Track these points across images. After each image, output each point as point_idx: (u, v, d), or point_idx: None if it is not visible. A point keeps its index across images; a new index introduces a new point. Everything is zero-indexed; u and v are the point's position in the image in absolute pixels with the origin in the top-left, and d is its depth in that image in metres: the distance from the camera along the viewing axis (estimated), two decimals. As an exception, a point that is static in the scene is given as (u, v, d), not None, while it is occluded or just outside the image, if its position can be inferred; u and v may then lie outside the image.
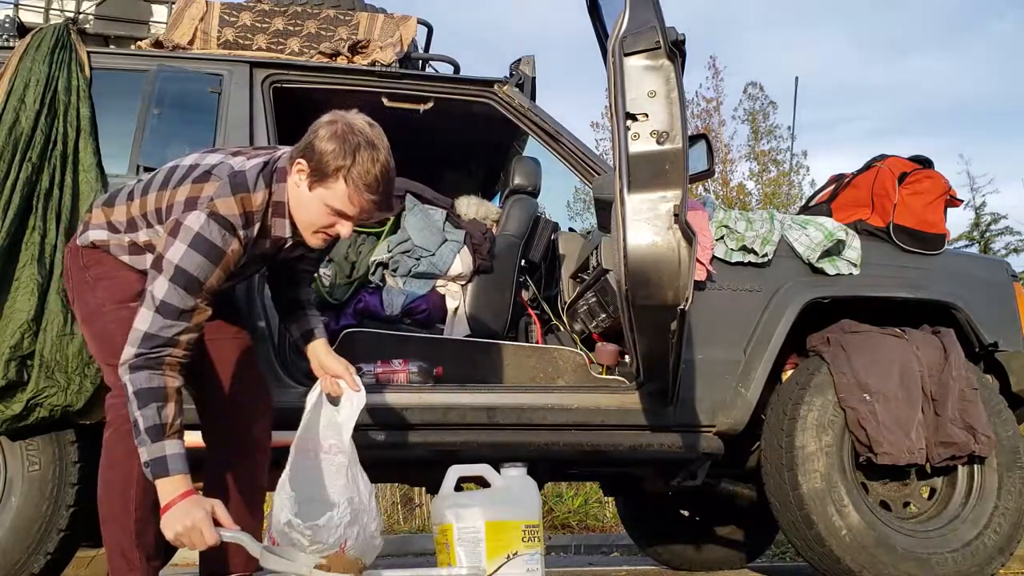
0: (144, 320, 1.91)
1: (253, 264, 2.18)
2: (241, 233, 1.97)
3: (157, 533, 2.03)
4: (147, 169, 2.59)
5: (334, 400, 2.31)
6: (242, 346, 2.32)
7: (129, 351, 1.90)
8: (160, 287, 1.91)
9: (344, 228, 2.03)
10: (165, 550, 2.20)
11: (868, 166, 3.32)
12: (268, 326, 2.71)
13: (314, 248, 2.21)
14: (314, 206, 2.00)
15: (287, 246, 2.15)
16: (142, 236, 2.10)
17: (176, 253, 1.91)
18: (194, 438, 2.24)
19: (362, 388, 2.30)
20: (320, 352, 2.33)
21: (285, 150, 2.11)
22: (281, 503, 2.05)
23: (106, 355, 2.10)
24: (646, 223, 2.26)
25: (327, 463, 2.26)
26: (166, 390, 1.90)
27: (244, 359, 2.31)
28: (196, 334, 1.97)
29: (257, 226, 2.02)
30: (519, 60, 3.34)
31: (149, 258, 2.08)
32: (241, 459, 2.24)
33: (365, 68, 3.12)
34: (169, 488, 1.87)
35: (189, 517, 1.84)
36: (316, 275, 2.95)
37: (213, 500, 1.91)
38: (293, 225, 2.07)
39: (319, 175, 1.96)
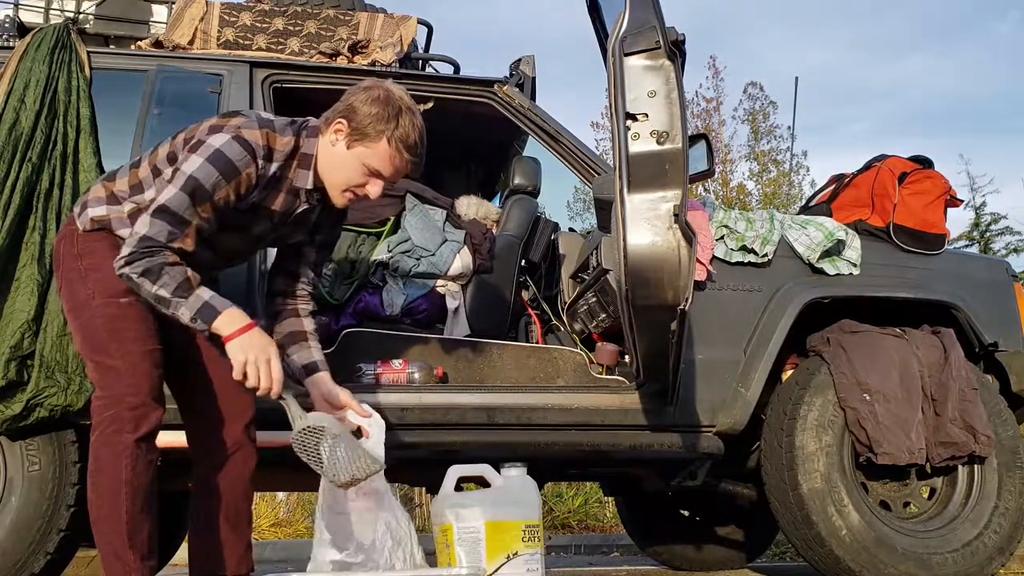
0: (143, 224, 1.97)
1: (259, 220, 2.16)
2: (260, 162, 2.04)
3: (150, 533, 2.03)
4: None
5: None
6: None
7: (124, 250, 1.96)
8: (167, 194, 1.97)
9: (374, 188, 2.12)
10: (161, 550, 2.19)
11: (868, 166, 3.32)
12: (268, 326, 2.70)
13: (325, 225, 2.25)
14: (351, 164, 2.09)
15: (298, 211, 2.18)
16: (148, 195, 2.09)
17: (192, 165, 1.98)
18: (178, 439, 2.24)
19: (374, 413, 2.31)
20: (324, 384, 2.31)
21: (311, 118, 2.18)
22: (319, 548, 2.06)
23: (89, 350, 2.08)
24: (646, 223, 2.26)
25: (355, 508, 2.26)
26: (170, 260, 1.96)
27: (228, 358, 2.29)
28: (188, 248, 2.01)
29: (276, 166, 2.07)
30: (519, 60, 3.34)
31: None
32: (227, 459, 2.21)
33: (365, 68, 3.12)
34: (229, 320, 1.98)
35: (262, 348, 1.99)
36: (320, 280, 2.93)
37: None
38: (316, 180, 2.12)
39: (360, 135, 2.06)
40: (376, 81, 2.13)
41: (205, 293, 1.98)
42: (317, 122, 2.14)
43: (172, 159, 2.09)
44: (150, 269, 1.94)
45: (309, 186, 2.13)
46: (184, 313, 1.96)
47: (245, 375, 2.01)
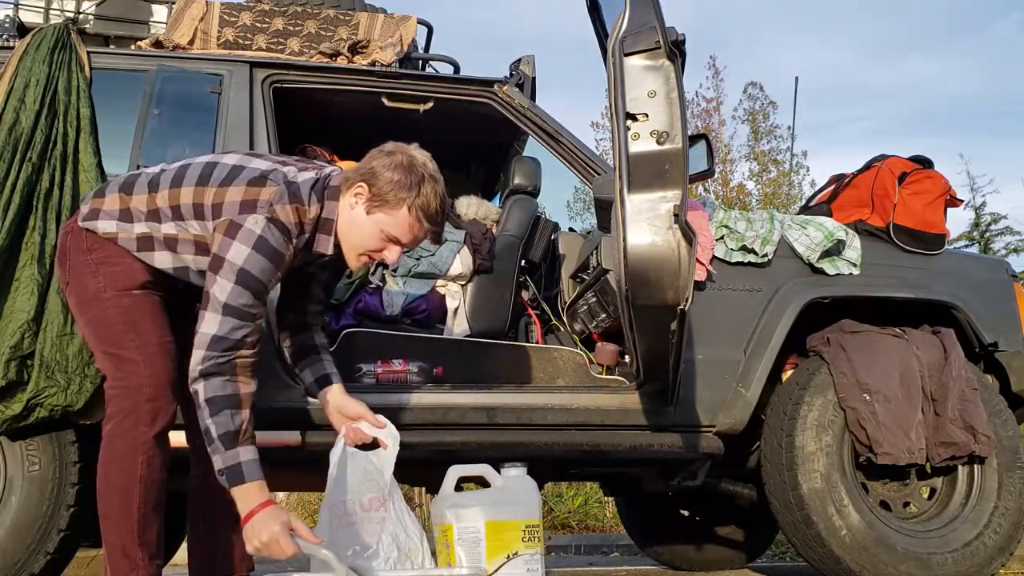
0: (212, 323, 1.91)
1: None
2: (295, 240, 2.00)
3: (159, 531, 2.03)
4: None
5: (363, 447, 2.30)
6: None
7: (198, 354, 1.90)
8: (224, 289, 1.91)
9: (392, 254, 2.07)
10: (165, 548, 2.19)
11: (868, 166, 3.32)
12: (268, 325, 2.70)
13: (326, 269, 2.22)
14: (369, 230, 2.04)
15: (312, 263, 2.16)
16: (165, 229, 2.06)
17: (239, 255, 1.91)
18: (180, 438, 2.24)
19: (389, 423, 2.31)
20: (337, 396, 2.30)
21: (332, 168, 2.13)
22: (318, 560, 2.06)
23: (102, 343, 2.07)
24: (646, 223, 2.26)
25: (368, 520, 2.26)
26: (239, 397, 1.91)
27: None
28: (259, 336, 1.98)
29: (306, 237, 2.04)
30: (519, 60, 3.33)
31: (162, 254, 2.07)
32: None
33: (365, 68, 3.12)
34: (247, 497, 1.89)
35: (268, 530, 1.86)
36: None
37: (290, 513, 1.92)
38: (336, 244, 2.08)
39: (380, 201, 2.01)
40: (399, 146, 2.06)
41: (244, 454, 1.91)
42: (338, 180, 2.08)
43: (198, 213, 2.03)
44: (215, 400, 1.89)
45: (330, 252, 2.10)
46: (217, 460, 1.91)
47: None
